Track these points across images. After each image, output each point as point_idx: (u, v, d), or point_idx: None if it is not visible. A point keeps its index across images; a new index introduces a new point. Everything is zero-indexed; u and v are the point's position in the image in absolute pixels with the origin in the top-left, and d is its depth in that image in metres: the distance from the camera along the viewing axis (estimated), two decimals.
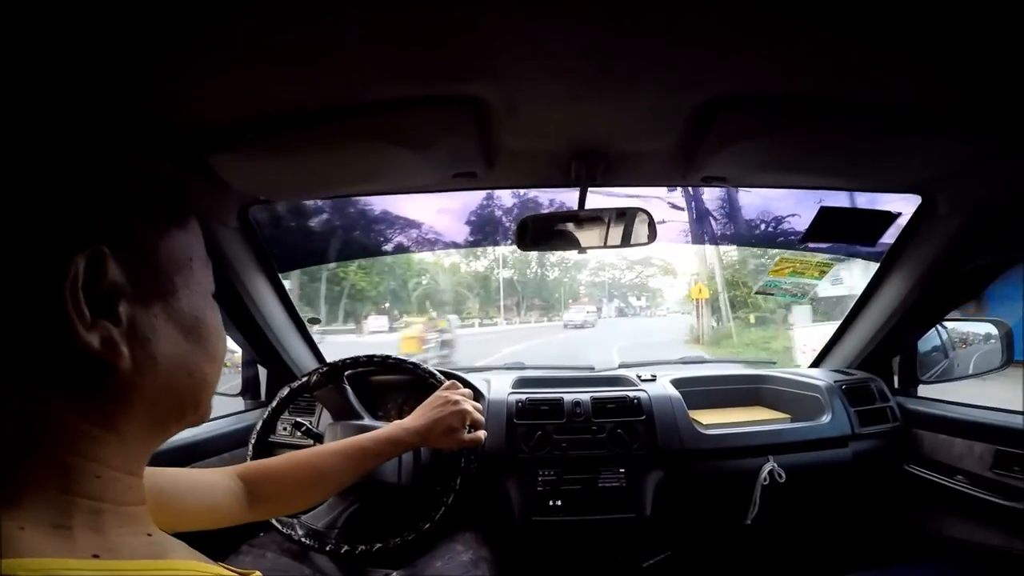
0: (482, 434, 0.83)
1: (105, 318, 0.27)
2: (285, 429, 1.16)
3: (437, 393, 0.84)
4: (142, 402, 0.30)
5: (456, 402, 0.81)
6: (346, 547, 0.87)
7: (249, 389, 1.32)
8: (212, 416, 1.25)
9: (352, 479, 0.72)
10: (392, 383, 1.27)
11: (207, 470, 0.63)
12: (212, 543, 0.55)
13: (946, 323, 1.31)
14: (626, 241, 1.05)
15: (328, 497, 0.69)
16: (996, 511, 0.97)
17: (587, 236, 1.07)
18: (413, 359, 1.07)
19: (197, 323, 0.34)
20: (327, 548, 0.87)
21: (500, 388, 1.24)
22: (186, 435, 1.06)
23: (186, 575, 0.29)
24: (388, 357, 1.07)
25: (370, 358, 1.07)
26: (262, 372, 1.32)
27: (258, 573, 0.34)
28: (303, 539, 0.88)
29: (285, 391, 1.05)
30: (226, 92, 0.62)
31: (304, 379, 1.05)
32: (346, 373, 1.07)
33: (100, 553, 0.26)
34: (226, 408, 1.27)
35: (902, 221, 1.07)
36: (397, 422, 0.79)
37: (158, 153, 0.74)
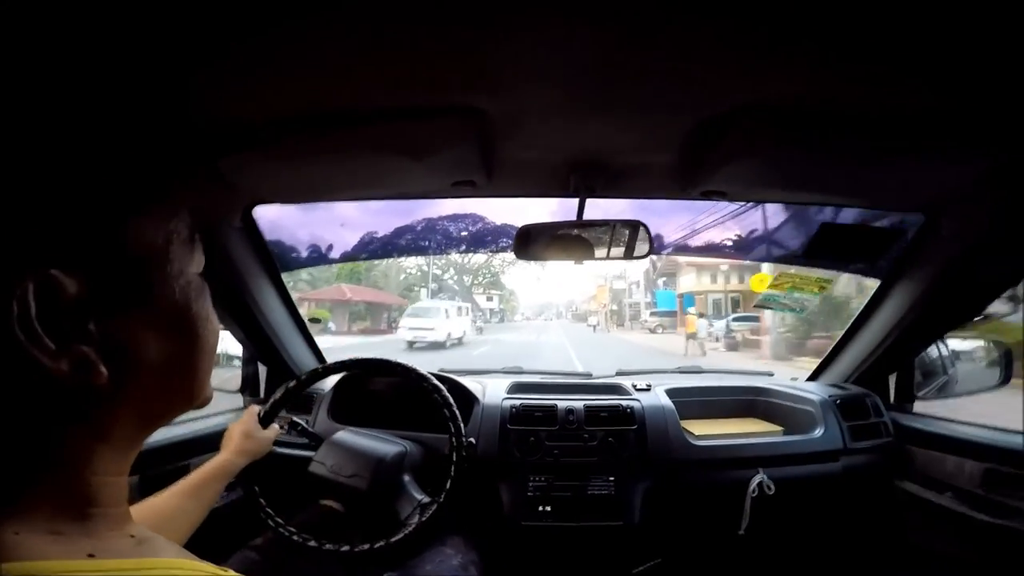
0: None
1: (75, 340, 0.26)
2: (283, 428, 1.18)
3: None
4: (130, 408, 0.30)
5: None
6: (345, 546, 0.87)
7: (249, 386, 1.33)
8: (210, 412, 1.25)
9: (200, 512, 0.75)
10: (385, 386, 1.29)
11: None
12: (213, 544, 0.57)
13: (945, 340, 1.30)
14: (628, 253, 1.05)
15: (186, 537, 0.74)
16: (982, 528, 0.97)
17: (587, 246, 1.07)
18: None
19: (182, 316, 0.32)
20: (326, 547, 0.88)
21: (495, 393, 1.25)
22: (183, 431, 1.08)
23: (178, 573, 0.29)
24: (371, 359, 1.08)
25: (356, 361, 1.08)
26: (262, 369, 1.34)
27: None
28: (301, 538, 0.89)
29: (279, 392, 1.04)
30: (236, 98, 0.63)
31: (302, 377, 1.05)
32: (338, 375, 1.08)
33: (95, 553, 0.27)
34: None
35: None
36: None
37: (169, 156, 0.75)
